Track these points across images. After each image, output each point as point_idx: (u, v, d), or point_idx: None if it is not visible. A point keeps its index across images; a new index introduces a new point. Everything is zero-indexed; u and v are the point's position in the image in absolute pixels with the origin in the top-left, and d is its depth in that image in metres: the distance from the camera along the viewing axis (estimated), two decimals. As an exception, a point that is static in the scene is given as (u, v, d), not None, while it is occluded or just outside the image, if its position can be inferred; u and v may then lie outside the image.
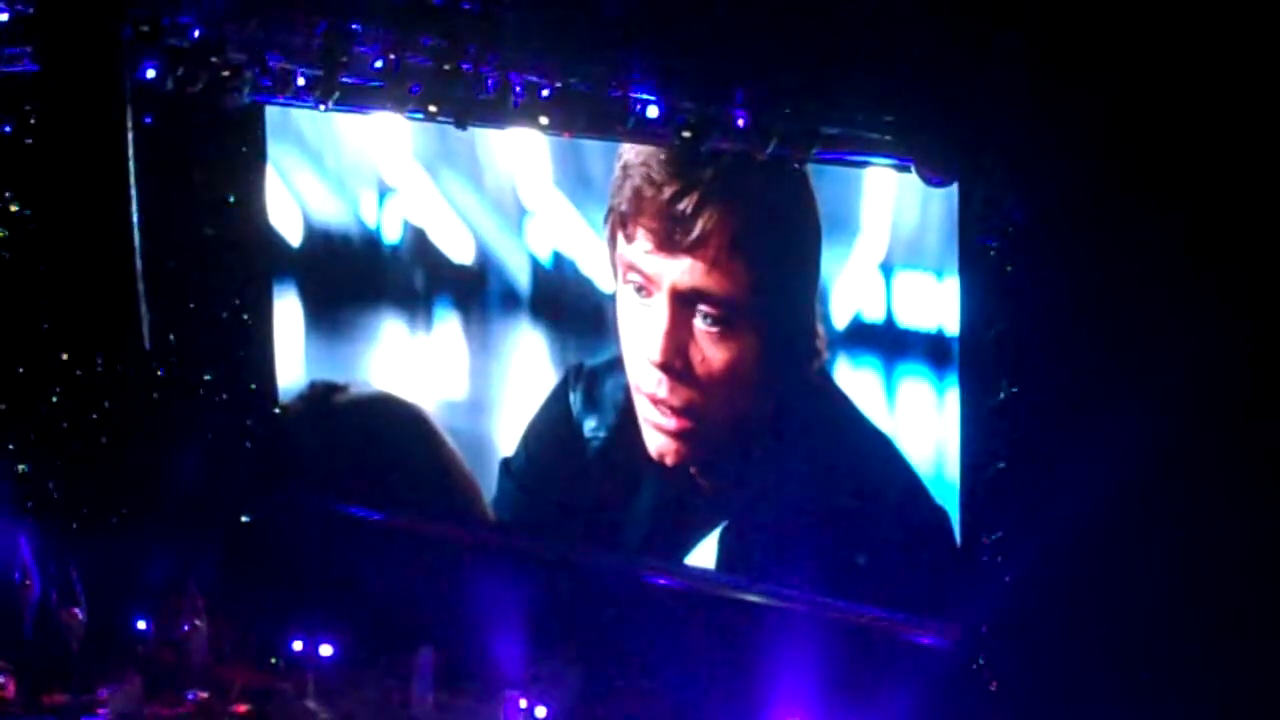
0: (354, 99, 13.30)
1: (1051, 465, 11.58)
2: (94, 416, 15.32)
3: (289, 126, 15.07)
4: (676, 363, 13.25)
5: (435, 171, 14.47)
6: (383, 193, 14.77)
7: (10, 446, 15.26)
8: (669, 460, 13.62)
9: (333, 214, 15.07)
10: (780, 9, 11.65)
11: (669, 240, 13.07)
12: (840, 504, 12.98)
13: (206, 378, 15.58)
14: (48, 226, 14.91)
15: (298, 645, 14.33)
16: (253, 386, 15.66)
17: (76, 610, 14.40)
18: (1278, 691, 10.99)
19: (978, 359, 11.93)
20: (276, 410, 15.65)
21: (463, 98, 12.65)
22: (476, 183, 14.31)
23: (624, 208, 13.31)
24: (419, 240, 14.67)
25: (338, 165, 14.94)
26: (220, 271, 15.50)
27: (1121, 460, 10.89)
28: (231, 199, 15.36)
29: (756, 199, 12.77)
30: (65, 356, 15.16)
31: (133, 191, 14.62)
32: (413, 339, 14.94)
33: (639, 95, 12.20)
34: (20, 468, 15.20)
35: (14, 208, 15.02)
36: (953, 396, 12.28)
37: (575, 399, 14.10)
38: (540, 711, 13.41)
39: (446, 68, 12.54)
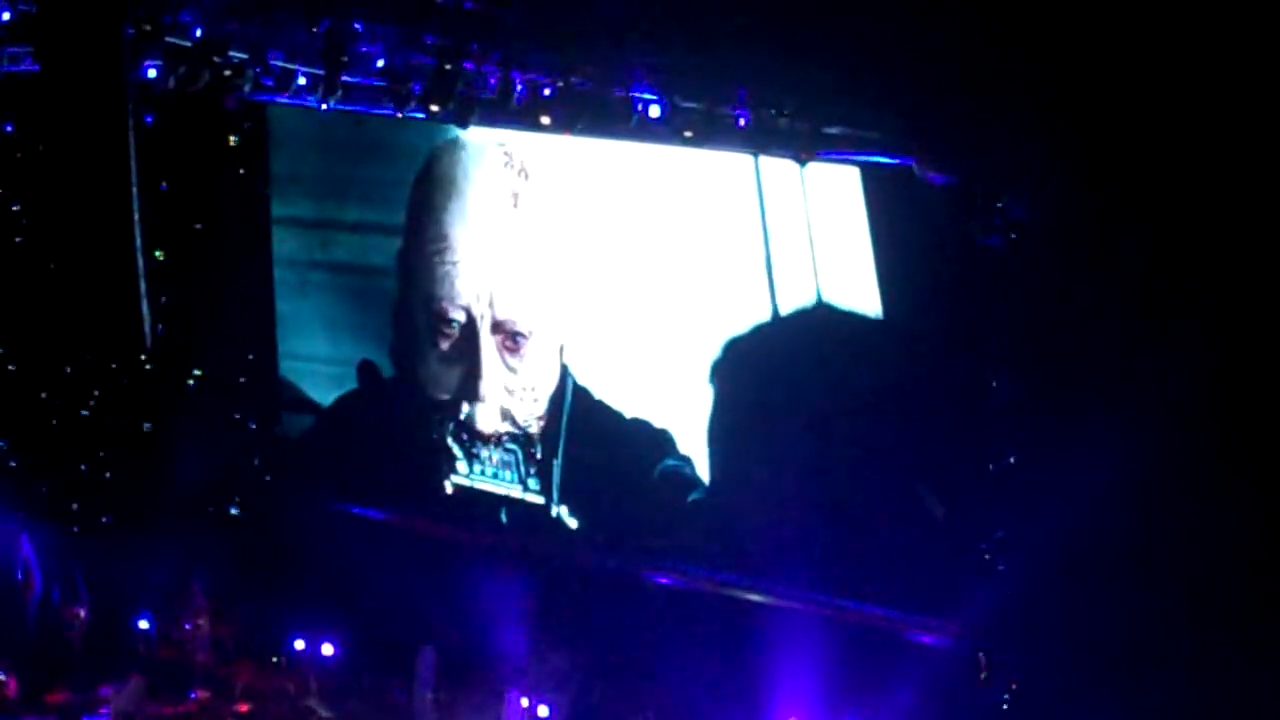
0: (356, 98, 13.29)
1: (1051, 465, 11.57)
2: (92, 415, 15.33)
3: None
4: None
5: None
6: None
7: (8, 445, 15.28)
8: None
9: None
10: (782, 8, 11.64)
11: None
12: (843, 501, 13.00)
13: (206, 376, 15.60)
14: (48, 226, 14.92)
15: (300, 644, 14.36)
16: (253, 385, 15.69)
17: (79, 609, 14.43)
18: (1277, 690, 10.98)
19: (978, 359, 11.92)
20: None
21: (465, 96, 12.63)
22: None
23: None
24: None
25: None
26: (221, 270, 15.51)
27: (1121, 460, 10.88)
28: (231, 196, 15.39)
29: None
30: (66, 354, 15.18)
31: (134, 190, 14.62)
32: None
33: (641, 94, 12.19)
34: (13, 464, 15.23)
35: (15, 207, 15.05)
36: (953, 397, 12.30)
37: None
38: (542, 710, 13.41)
39: (449, 66, 12.51)
